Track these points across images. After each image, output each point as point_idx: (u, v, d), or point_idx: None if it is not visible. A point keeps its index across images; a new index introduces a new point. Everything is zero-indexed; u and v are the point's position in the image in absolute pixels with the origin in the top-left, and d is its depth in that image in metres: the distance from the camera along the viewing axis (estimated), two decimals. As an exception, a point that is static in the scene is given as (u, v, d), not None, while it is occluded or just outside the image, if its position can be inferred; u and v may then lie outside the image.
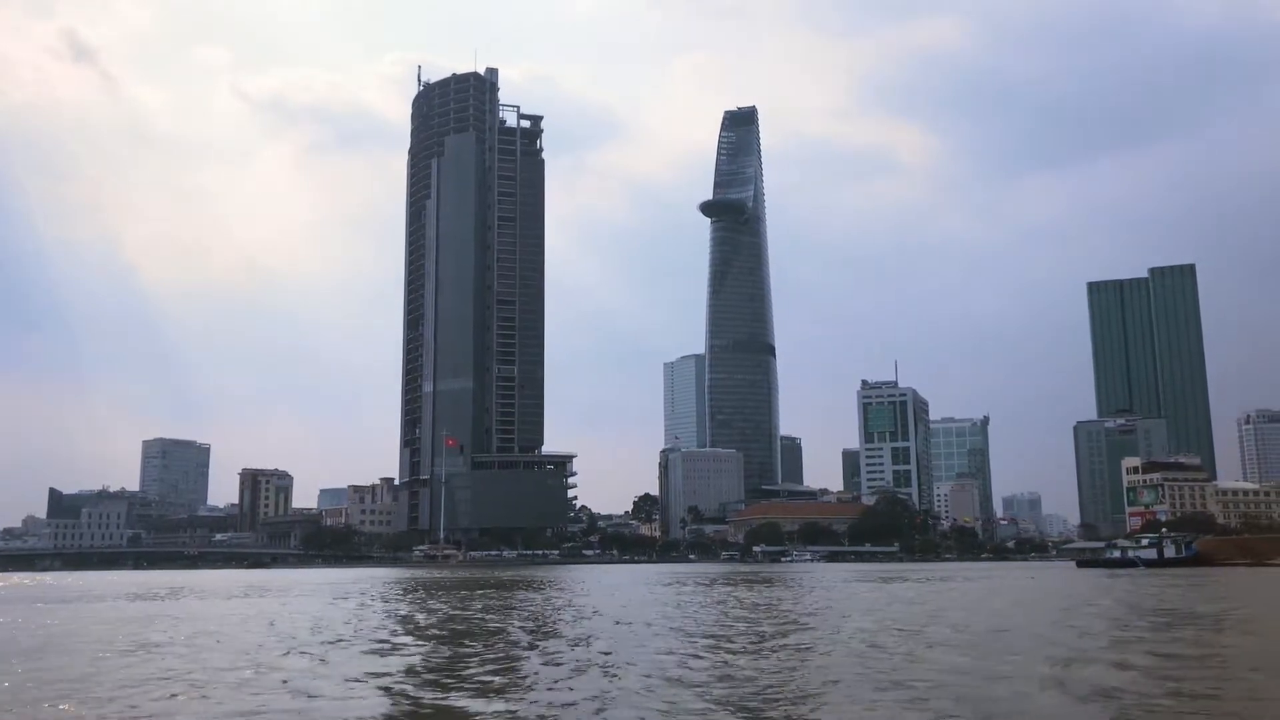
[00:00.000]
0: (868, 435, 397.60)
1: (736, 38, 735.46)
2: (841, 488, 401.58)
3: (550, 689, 19.53)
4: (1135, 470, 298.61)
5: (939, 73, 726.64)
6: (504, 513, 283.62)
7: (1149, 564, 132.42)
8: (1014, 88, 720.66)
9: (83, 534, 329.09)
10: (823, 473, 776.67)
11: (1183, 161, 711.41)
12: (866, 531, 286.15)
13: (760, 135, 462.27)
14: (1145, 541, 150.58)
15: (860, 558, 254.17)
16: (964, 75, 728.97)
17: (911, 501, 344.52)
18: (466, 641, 29.92)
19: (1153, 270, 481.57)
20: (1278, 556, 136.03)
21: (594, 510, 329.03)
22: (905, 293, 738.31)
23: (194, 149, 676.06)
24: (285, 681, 20.82)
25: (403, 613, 44.26)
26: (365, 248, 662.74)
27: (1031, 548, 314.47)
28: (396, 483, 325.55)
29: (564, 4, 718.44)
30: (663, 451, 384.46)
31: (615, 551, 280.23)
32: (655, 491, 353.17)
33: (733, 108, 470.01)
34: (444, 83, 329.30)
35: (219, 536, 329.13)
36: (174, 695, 18.87)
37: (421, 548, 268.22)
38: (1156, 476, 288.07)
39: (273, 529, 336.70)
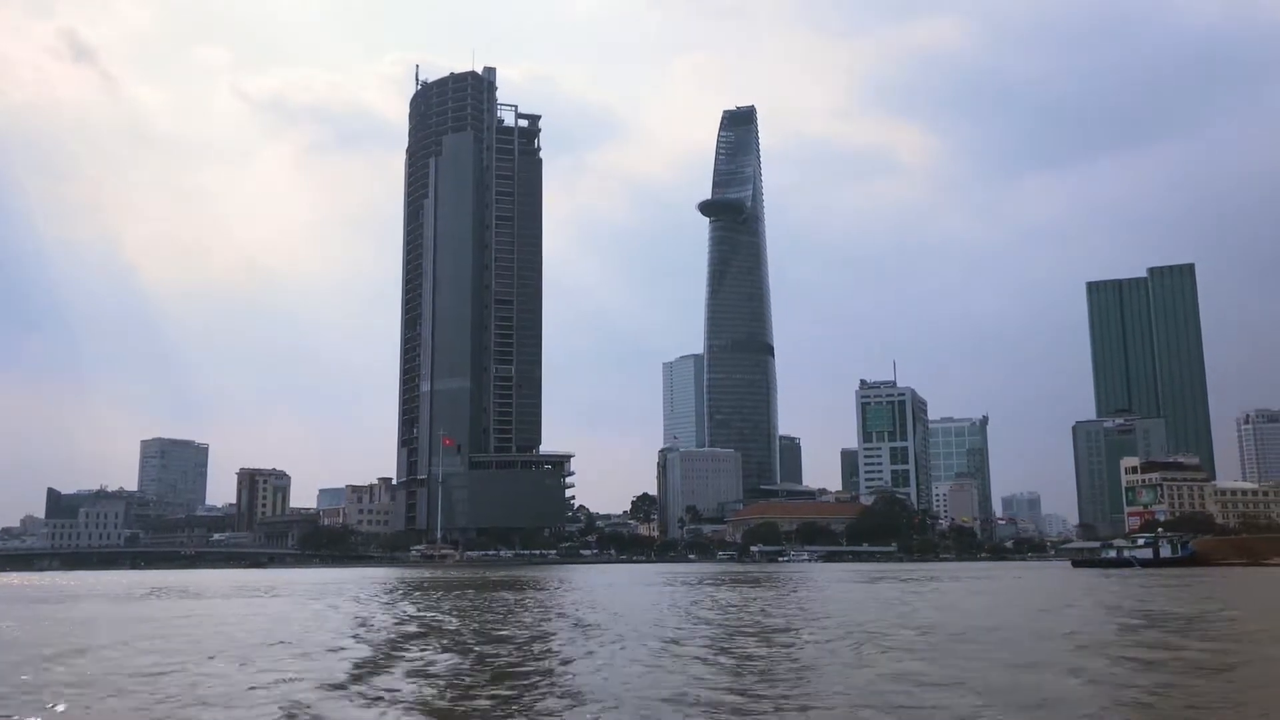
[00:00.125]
0: (866, 435, 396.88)
1: (736, 38, 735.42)
2: (840, 488, 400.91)
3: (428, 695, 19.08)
4: (1134, 470, 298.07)
5: (939, 73, 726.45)
6: (502, 512, 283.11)
7: (1144, 564, 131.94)
8: (1014, 88, 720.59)
9: (80, 534, 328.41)
10: (821, 473, 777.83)
11: (1183, 161, 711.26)
12: (864, 531, 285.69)
13: (759, 135, 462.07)
14: (1141, 541, 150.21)
15: (858, 557, 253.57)
16: (964, 75, 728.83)
17: (910, 501, 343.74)
18: (402, 645, 29.14)
19: (1152, 270, 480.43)
20: (1274, 556, 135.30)
21: (592, 510, 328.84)
22: (905, 293, 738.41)
23: (194, 149, 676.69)
24: (193, 685, 20.46)
25: (365, 615, 43.62)
26: (365, 248, 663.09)
27: (1030, 548, 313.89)
28: (394, 482, 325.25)
29: (564, 4, 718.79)
30: (661, 451, 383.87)
31: (613, 551, 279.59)
32: (654, 491, 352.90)
33: (731, 107, 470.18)
34: (441, 82, 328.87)
35: (216, 536, 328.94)
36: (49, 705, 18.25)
37: (418, 548, 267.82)
38: (1155, 476, 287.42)
39: (270, 529, 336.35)
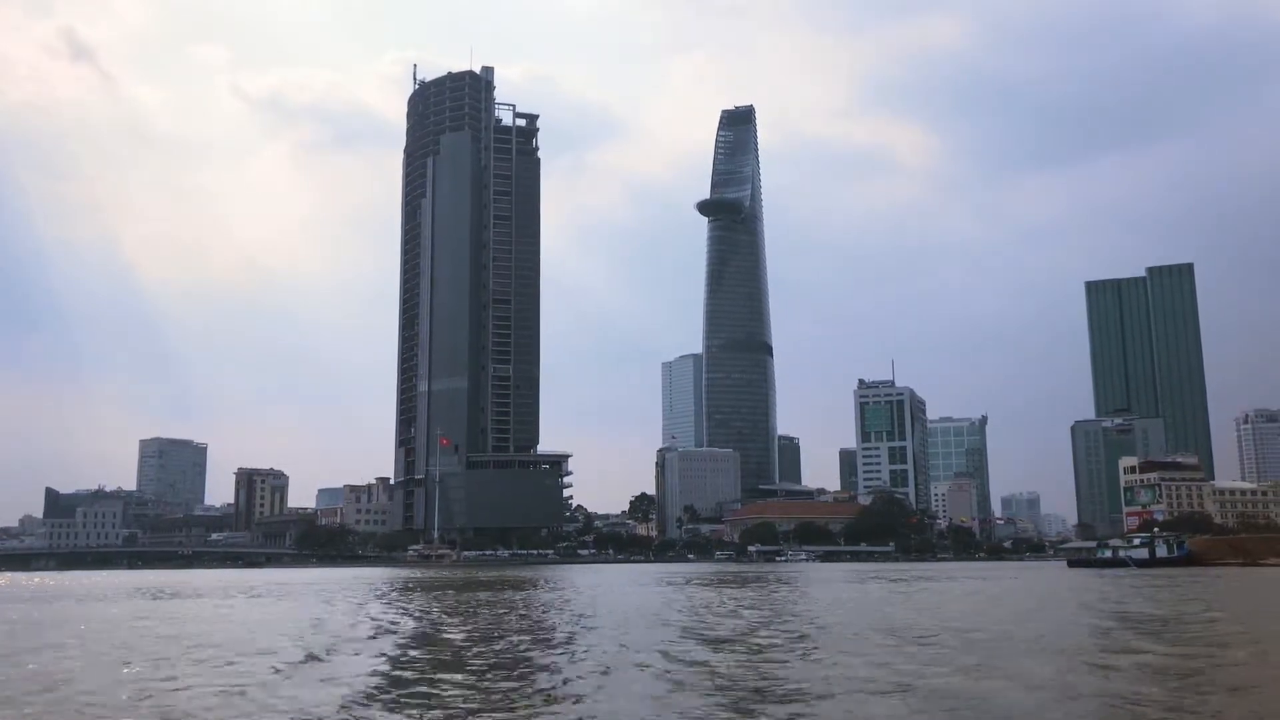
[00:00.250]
0: (865, 435, 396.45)
1: (736, 38, 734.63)
2: (839, 487, 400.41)
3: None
4: (1133, 470, 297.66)
5: (939, 73, 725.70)
6: (499, 512, 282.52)
7: (1140, 564, 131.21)
8: (1014, 88, 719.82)
9: (78, 534, 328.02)
10: (820, 472, 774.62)
11: (1182, 161, 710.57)
12: (862, 531, 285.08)
13: (758, 134, 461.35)
14: (1137, 541, 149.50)
15: (856, 557, 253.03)
16: (964, 75, 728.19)
17: (908, 501, 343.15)
18: (336, 649, 28.20)
19: (1151, 270, 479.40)
20: (1270, 556, 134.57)
21: (590, 510, 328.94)
22: (904, 293, 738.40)
23: (193, 148, 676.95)
24: (122, 687, 19.79)
25: (323, 617, 42.79)
26: (364, 247, 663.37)
27: (1028, 547, 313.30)
28: (392, 482, 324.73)
29: (563, 4, 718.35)
30: (659, 451, 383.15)
31: (611, 551, 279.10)
32: (652, 491, 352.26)
33: (730, 107, 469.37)
34: (439, 81, 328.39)
35: (214, 536, 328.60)
36: None
37: (415, 547, 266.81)
38: (1154, 476, 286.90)
39: (268, 528, 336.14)
